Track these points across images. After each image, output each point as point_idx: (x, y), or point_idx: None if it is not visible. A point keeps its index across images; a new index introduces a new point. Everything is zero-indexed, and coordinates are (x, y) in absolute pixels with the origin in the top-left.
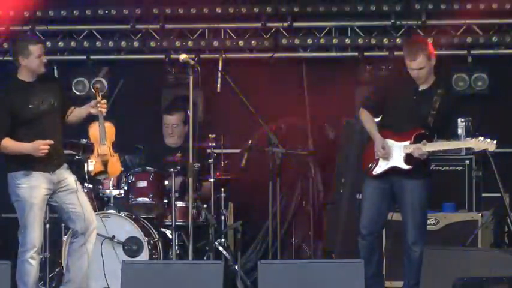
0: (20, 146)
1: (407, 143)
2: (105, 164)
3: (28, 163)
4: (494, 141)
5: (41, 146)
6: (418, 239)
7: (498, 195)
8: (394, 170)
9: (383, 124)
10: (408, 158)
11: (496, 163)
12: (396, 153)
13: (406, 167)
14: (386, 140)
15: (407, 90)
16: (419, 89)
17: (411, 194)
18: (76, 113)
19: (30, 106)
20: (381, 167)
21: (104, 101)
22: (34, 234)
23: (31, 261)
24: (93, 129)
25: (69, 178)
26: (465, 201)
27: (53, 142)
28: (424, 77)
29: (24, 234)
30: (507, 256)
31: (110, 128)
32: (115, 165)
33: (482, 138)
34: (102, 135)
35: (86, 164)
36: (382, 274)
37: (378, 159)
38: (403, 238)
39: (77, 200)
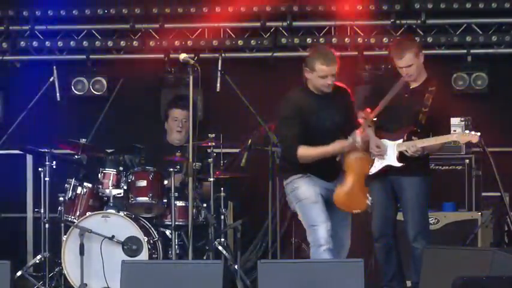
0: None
1: (400, 141)
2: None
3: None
4: (478, 133)
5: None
6: (418, 236)
7: (498, 194)
8: (390, 169)
9: (377, 125)
10: (401, 156)
11: (496, 162)
12: (390, 152)
13: (398, 164)
14: (381, 139)
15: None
16: (411, 87)
17: (409, 190)
18: None
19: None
20: (375, 167)
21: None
22: None
23: None
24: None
25: None
26: (465, 200)
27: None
28: (414, 74)
29: None
30: (507, 255)
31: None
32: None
33: (467, 131)
34: None
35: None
36: (403, 273)
37: (373, 160)
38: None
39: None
